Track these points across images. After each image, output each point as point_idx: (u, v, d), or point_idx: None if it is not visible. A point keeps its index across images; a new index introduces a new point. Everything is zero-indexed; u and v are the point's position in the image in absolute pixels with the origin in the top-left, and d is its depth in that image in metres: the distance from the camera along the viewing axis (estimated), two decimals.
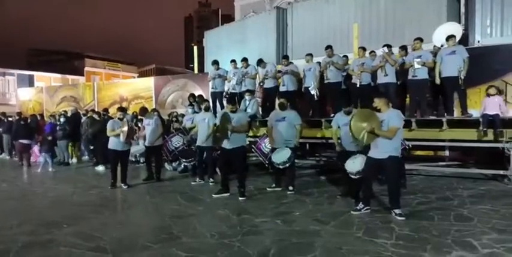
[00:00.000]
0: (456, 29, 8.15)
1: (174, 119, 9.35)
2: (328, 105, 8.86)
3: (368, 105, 6.65)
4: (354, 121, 4.75)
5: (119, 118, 7.12)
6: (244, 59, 9.34)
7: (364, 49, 8.06)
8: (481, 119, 6.61)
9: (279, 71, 8.76)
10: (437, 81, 7.04)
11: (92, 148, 10.50)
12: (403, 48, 7.75)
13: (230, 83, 9.45)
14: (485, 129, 6.49)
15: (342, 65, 8.37)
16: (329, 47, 8.35)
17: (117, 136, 6.92)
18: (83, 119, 10.91)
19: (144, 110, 8.17)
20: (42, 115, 13.56)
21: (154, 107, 11.95)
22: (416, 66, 7.00)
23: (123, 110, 7.41)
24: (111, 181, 7.08)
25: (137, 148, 7.68)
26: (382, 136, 4.67)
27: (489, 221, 4.50)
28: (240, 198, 5.92)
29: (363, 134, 4.64)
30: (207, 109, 7.56)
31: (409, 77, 7.20)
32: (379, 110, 4.84)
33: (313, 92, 8.31)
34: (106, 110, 11.86)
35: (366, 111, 4.92)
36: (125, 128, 6.85)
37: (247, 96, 8.73)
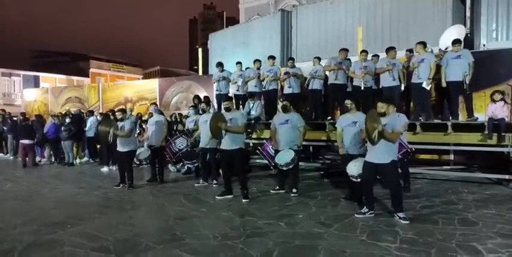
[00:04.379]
0: (460, 31, 8.14)
1: (178, 120, 9.37)
2: (332, 108, 8.84)
3: (371, 107, 6.66)
4: (369, 121, 4.70)
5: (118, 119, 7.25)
6: (258, 60, 9.44)
7: (366, 52, 8.06)
8: (486, 124, 6.59)
9: (286, 73, 8.75)
10: (443, 84, 7.04)
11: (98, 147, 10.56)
12: (411, 51, 7.78)
13: (235, 84, 9.48)
14: (490, 133, 6.47)
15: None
16: (345, 49, 8.33)
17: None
18: (90, 118, 10.92)
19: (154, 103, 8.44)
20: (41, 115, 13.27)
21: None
22: (426, 86, 7.02)
23: (121, 111, 7.49)
24: (118, 181, 7.20)
25: (139, 151, 7.66)
26: (388, 138, 4.65)
27: (494, 226, 4.47)
28: (244, 200, 5.91)
29: (375, 134, 4.61)
30: (204, 111, 7.56)
31: (413, 80, 7.20)
32: (383, 114, 4.82)
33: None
34: (112, 111, 11.88)
35: (375, 112, 4.88)
36: (111, 129, 6.99)
37: (250, 100, 8.74)
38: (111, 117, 9.18)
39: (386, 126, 4.68)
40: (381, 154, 4.72)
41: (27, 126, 11.03)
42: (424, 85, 7.01)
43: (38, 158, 11.27)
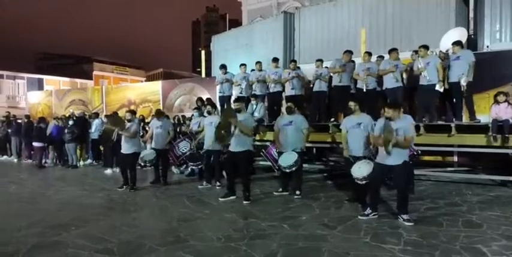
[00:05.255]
0: (460, 33, 8.12)
1: (181, 122, 9.37)
2: (336, 109, 8.84)
3: (374, 109, 6.65)
4: (385, 133, 4.67)
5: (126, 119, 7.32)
6: (259, 62, 9.45)
7: (369, 54, 8.06)
8: (490, 125, 6.57)
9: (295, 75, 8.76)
10: (446, 85, 7.04)
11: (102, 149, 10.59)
12: (417, 52, 7.78)
13: (239, 86, 9.49)
14: (494, 135, 6.45)
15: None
16: (349, 51, 8.31)
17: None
18: (95, 121, 10.93)
19: (160, 113, 8.16)
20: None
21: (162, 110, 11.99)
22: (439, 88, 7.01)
23: (131, 112, 7.55)
24: (122, 183, 7.25)
25: (144, 153, 7.64)
26: (402, 146, 4.67)
27: (498, 228, 4.46)
28: (244, 202, 5.92)
29: (391, 146, 4.60)
30: (209, 113, 7.56)
31: (421, 82, 7.17)
32: (390, 118, 4.78)
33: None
34: (116, 113, 11.94)
35: (389, 123, 4.81)
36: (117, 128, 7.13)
37: (253, 101, 8.76)
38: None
39: (398, 130, 4.68)
40: (392, 155, 4.69)
41: (39, 129, 11.04)
42: (437, 87, 7.01)
43: (42, 160, 11.32)
